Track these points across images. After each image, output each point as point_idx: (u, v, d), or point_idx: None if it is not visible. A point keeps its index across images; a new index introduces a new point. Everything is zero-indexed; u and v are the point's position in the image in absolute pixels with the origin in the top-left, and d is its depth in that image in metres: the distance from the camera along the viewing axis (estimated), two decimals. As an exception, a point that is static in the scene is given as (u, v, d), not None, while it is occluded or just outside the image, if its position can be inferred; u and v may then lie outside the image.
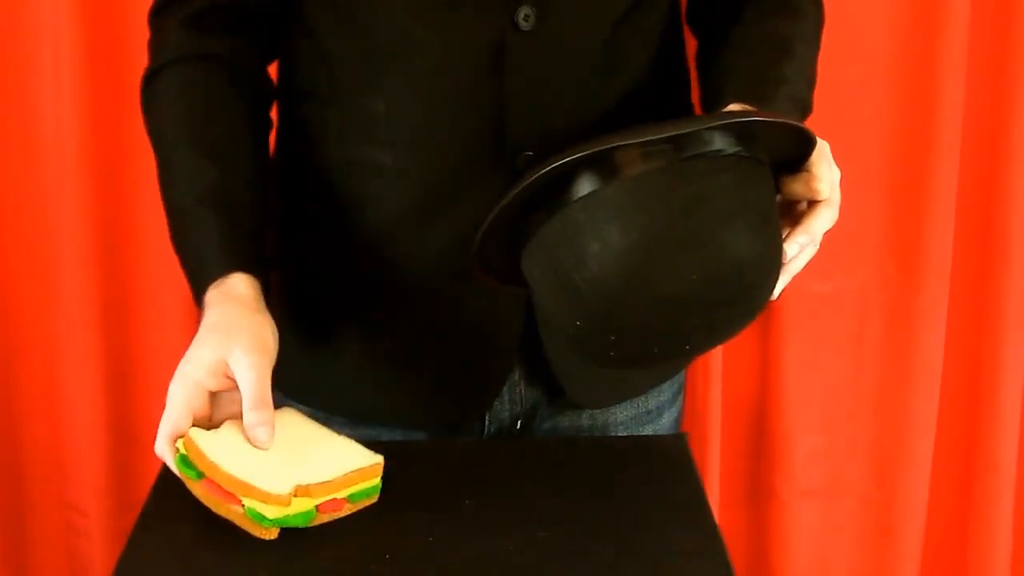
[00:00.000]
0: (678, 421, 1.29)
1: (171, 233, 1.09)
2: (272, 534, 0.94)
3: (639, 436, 1.23)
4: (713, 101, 1.04)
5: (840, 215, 1.00)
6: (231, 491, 0.94)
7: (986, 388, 1.82)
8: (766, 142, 0.90)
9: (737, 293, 0.90)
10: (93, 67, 1.59)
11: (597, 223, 0.86)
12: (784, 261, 0.95)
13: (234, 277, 1.03)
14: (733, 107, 0.99)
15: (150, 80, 1.11)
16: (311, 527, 0.96)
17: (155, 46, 1.12)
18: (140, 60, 1.14)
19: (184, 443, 0.96)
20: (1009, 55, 1.70)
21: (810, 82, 1.09)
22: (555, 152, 0.88)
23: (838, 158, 0.98)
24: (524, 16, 1.02)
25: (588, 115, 1.08)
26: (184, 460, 0.96)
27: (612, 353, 0.93)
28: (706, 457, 1.80)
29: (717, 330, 0.94)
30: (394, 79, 1.05)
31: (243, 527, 0.94)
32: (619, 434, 1.22)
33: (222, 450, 0.95)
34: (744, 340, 1.81)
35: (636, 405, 1.22)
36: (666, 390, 1.25)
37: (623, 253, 0.86)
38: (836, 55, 1.67)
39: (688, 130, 0.86)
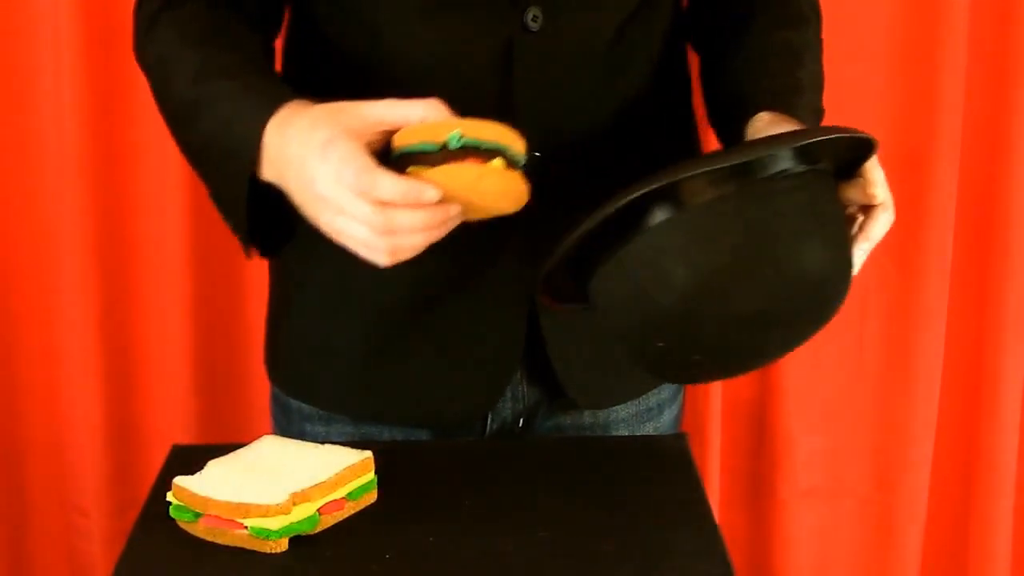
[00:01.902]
0: (679, 418, 1.30)
1: (195, 125, 1.01)
2: (281, 546, 0.94)
3: (639, 436, 1.23)
4: (736, 112, 1.05)
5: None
6: (231, 518, 0.94)
7: (986, 388, 1.82)
8: (827, 153, 0.91)
9: (816, 306, 0.93)
10: (93, 67, 1.59)
11: (679, 246, 0.88)
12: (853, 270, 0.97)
13: (292, 103, 0.96)
14: (763, 115, 1.01)
15: (148, 28, 1.06)
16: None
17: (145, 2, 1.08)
18: (140, 60, 1.14)
19: (174, 492, 0.97)
20: (1009, 55, 1.70)
21: (820, 88, 1.11)
22: (561, 154, 0.90)
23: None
24: (532, 17, 1.03)
25: (594, 115, 1.08)
26: (178, 508, 0.97)
27: (692, 370, 0.96)
28: (706, 457, 1.80)
29: (792, 341, 0.96)
30: (402, 81, 1.05)
31: (252, 548, 0.94)
32: (620, 431, 1.22)
33: (211, 485, 0.96)
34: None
35: (637, 403, 1.23)
36: (666, 388, 1.25)
37: (706, 274, 0.87)
38: (836, 55, 1.67)
39: (755, 157, 0.88)
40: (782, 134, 0.94)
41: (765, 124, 1.01)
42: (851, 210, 0.99)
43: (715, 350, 0.92)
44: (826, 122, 1.04)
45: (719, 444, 1.82)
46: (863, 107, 1.72)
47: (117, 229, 1.68)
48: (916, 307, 1.78)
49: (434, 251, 1.08)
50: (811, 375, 1.81)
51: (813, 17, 1.15)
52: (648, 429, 1.24)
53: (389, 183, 0.88)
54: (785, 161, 0.88)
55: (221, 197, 1.02)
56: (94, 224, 1.65)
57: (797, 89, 1.06)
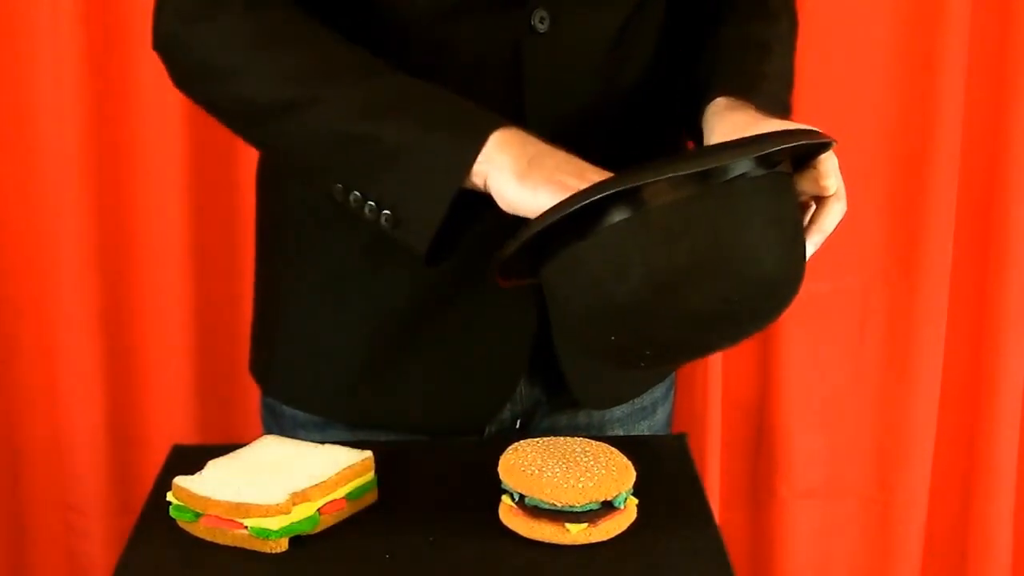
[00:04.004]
0: (671, 416, 1.30)
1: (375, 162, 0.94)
2: (282, 546, 0.94)
3: (639, 436, 1.23)
4: (697, 97, 1.05)
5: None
6: (231, 518, 0.94)
7: (986, 388, 1.82)
8: (789, 154, 0.92)
9: (770, 305, 0.94)
10: (93, 67, 1.59)
11: (635, 245, 0.88)
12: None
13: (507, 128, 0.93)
14: (720, 100, 1.01)
15: (211, 34, 1.00)
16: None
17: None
18: (140, 60, 1.13)
19: (174, 492, 0.97)
20: (1009, 55, 1.70)
21: (788, 83, 1.11)
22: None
23: (838, 158, 0.99)
24: (540, 18, 1.03)
25: (599, 112, 1.09)
26: (178, 508, 0.97)
27: (643, 364, 0.96)
28: (706, 457, 1.80)
29: (742, 336, 0.97)
30: None
31: (252, 548, 0.94)
32: (615, 430, 1.22)
33: (210, 485, 0.96)
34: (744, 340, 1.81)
35: (631, 402, 1.23)
36: (660, 387, 1.26)
37: (663, 274, 0.88)
38: (836, 55, 1.68)
39: (720, 164, 0.88)
40: (745, 139, 0.94)
41: (721, 109, 1.01)
42: (803, 199, 0.98)
43: (666, 345, 0.93)
44: (824, 123, 1.04)
45: (719, 444, 1.82)
46: (863, 107, 1.72)
47: (117, 229, 1.68)
48: (916, 307, 1.79)
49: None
50: (811, 375, 1.81)
51: (784, 15, 1.15)
52: (642, 428, 1.25)
53: None
54: (745, 165, 0.89)
55: (405, 191, 0.95)
56: (94, 224, 1.65)
57: (760, 77, 1.05)
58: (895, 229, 1.77)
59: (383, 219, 0.94)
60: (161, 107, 1.61)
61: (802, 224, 0.97)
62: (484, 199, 0.92)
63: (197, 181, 1.66)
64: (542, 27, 1.03)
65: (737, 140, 0.94)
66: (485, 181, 0.91)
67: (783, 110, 1.05)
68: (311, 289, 1.15)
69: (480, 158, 0.91)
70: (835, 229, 1.00)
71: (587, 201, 0.86)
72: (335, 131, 0.95)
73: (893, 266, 1.78)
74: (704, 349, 0.99)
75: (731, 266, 0.89)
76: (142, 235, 1.69)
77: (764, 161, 0.90)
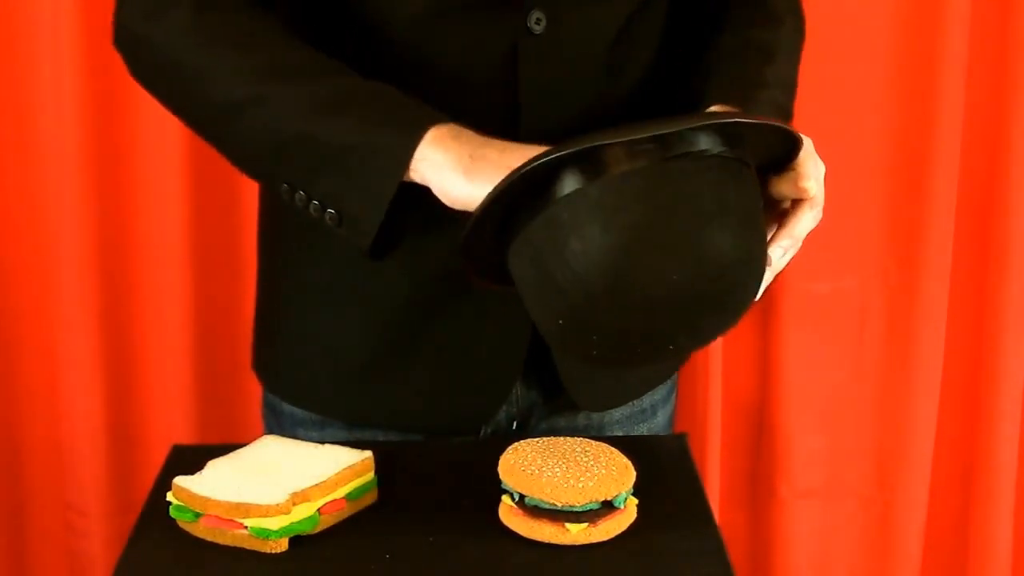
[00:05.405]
0: (672, 418, 1.30)
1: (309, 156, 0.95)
2: (282, 546, 0.94)
3: (638, 436, 1.23)
4: (694, 105, 1.05)
5: (840, 215, 1.00)
6: (231, 518, 0.94)
7: (986, 388, 1.82)
8: (752, 143, 0.90)
9: (720, 294, 0.90)
10: (93, 67, 1.59)
11: (580, 222, 0.86)
12: (769, 264, 0.95)
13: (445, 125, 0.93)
14: (715, 109, 0.99)
15: (164, 35, 1.00)
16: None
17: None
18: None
19: (174, 492, 0.97)
20: (1009, 55, 1.70)
21: (790, 89, 1.09)
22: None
23: (838, 158, 0.98)
24: (536, 19, 1.02)
25: (596, 115, 1.08)
26: (178, 508, 0.97)
27: (595, 352, 0.92)
28: (706, 457, 1.80)
29: (700, 331, 0.94)
30: (407, 87, 1.04)
31: (252, 548, 0.94)
32: (615, 433, 1.22)
33: (210, 485, 0.96)
34: (744, 340, 1.81)
35: (631, 404, 1.23)
36: (660, 388, 1.26)
37: (604, 252, 0.86)
38: (836, 55, 1.68)
39: (673, 129, 0.86)
40: (701, 113, 0.93)
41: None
42: (784, 205, 0.97)
43: (613, 334, 0.90)
44: (824, 123, 1.03)
45: (719, 444, 1.82)
46: (863, 107, 1.72)
47: (117, 229, 1.68)
48: (916, 307, 1.79)
49: (434, 251, 1.09)
50: (811, 375, 1.81)
51: (789, 18, 1.13)
52: (642, 430, 1.24)
53: None
54: (700, 142, 0.86)
55: (345, 193, 0.97)
56: (94, 224, 1.65)
57: (760, 84, 1.04)
58: (895, 229, 1.77)
59: (328, 218, 0.96)
60: (161, 107, 1.60)
61: (760, 216, 0.94)
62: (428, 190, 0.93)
63: (197, 181, 1.66)
64: (538, 28, 1.03)
65: (695, 115, 0.93)
66: (423, 178, 0.92)
67: (783, 115, 1.05)
68: (310, 288, 1.16)
69: (416, 155, 0.92)
70: (835, 229, 0.99)
71: (535, 164, 0.85)
72: (279, 131, 0.96)
73: (893, 266, 1.78)
74: (661, 342, 0.93)
75: (672, 244, 0.86)
76: (142, 235, 1.69)
77: (722, 143, 0.88)
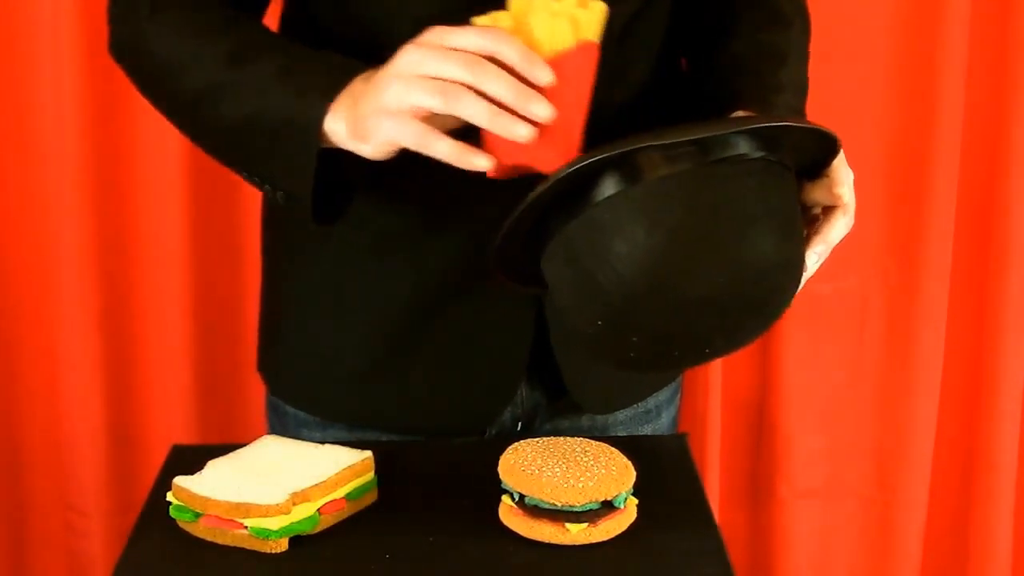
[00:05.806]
0: (676, 420, 1.30)
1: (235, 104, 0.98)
2: (281, 546, 0.94)
3: (639, 436, 1.23)
4: (715, 110, 1.05)
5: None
6: (231, 518, 0.94)
7: (986, 388, 1.82)
8: (790, 147, 0.90)
9: (759, 297, 0.91)
10: (93, 67, 1.59)
11: (622, 223, 0.86)
12: (804, 269, 0.96)
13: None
14: (740, 114, 0.99)
15: (133, 37, 1.03)
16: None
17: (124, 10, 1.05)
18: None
19: (174, 492, 0.97)
20: (1009, 55, 1.70)
21: (803, 91, 1.10)
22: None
23: (839, 158, 0.99)
24: None
25: (598, 117, 1.08)
26: (178, 508, 0.97)
27: (632, 354, 0.93)
28: (706, 457, 1.80)
29: (737, 334, 0.94)
30: None
31: (252, 548, 0.94)
32: (619, 434, 1.22)
33: (211, 485, 0.96)
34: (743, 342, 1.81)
35: (635, 405, 1.23)
36: (665, 390, 1.25)
37: (647, 254, 0.86)
38: (836, 55, 1.68)
39: (715, 133, 0.87)
40: (742, 117, 0.93)
41: None
42: (816, 211, 0.98)
43: (652, 336, 0.90)
44: (824, 124, 1.04)
45: (719, 444, 1.82)
46: (863, 107, 1.72)
47: (117, 229, 1.68)
48: (916, 307, 1.79)
49: (437, 252, 1.09)
50: (811, 375, 1.81)
51: (797, 19, 1.13)
52: (646, 431, 1.24)
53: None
54: (740, 146, 0.87)
55: (277, 170, 0.99)
56: (94, 224, 1.66)
57: (776, 88, 1.05)
58: (895, 229, 1.77)
59: (278, 196, 0.99)
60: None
61: (798, 221, 0.95)
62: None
63: (197, 181, 1.66)
64: None
65: (733, 118, 0.93)
66: (340, 144, 0.94)
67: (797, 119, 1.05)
68: (313, 289, 1.15)
69: (325, 128, 0.93)
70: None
71: (574, 168, 0.84)
72: (230, 117, 0.98)
73: (893, 266, 1.78)
74: (698, 345, 0.94)
75: (714, 246, 0.86)
76: (142, 235, 1.69)
77: (760, 147, 0.88)
